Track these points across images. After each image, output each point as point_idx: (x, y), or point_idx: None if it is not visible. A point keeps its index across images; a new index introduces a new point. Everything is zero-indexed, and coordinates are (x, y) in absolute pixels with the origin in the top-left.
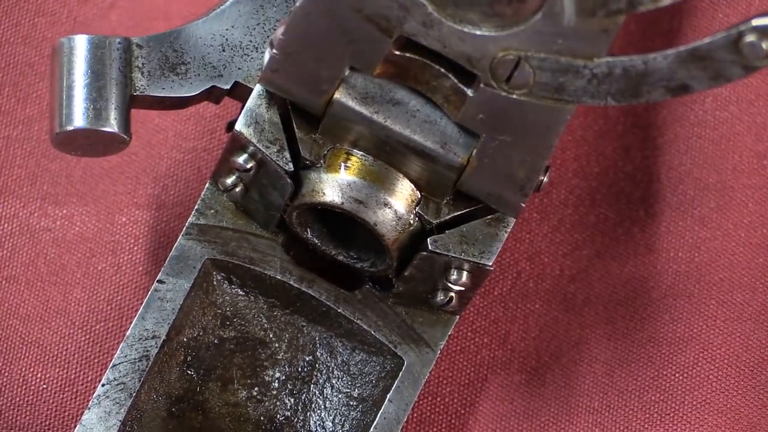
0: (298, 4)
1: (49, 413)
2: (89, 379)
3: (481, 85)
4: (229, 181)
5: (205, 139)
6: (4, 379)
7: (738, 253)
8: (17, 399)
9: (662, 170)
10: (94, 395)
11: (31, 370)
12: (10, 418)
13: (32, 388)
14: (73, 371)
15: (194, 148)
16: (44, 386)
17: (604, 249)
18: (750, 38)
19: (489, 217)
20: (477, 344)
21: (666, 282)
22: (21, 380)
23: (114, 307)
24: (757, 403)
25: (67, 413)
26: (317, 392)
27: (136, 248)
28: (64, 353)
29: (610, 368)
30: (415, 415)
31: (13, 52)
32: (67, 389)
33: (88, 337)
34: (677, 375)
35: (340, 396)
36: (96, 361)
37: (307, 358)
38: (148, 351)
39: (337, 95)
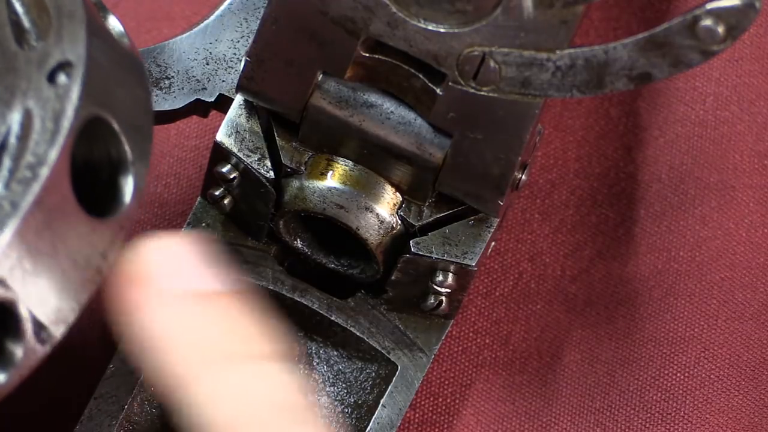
0: (265, 10)
1: (50, 412)
2: (90, 378)
3: (450, 84)
4: (217, 192)
5: (208, 137)
6: None
7: (739, 253)
8: (18, 398)
9: (663, 170)
10: (86, 409)
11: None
12: (11, 416)
13: (34, 386)
14: (74, 370)
15: (196, 147)
16: (46, 385)
17: (605, 249)
18: (706, 22)
19: (472, 217)
20: (479, 345)
21: (667, 281)
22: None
23: None
24: (759, 403)
25: (68, 412)
26: (312, 401)
27: None
28: (65, 352)
29: (611, 368)
30: (417, 415)
31: None
32: (68, 388)
33: (89, 335)
34: (678, 374)
35: (335, 404)
36: (97, 360)
37: (303, 368)
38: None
39: (311, 101)
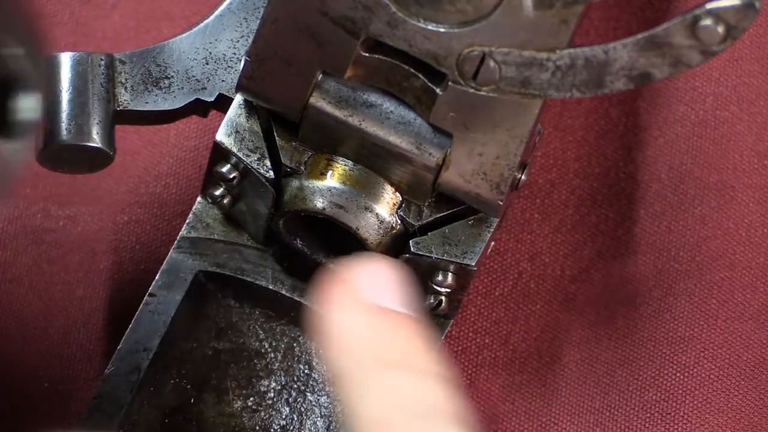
0: (265, 10)
1: (51, 411)
2: (91, 376)
3: (450, 84)
4: (217, 192)
5: (207, 137)
6: (7, 378)
7: (739, 253)
8: (20, 397)
9: (663, 170)
10: (86, 409)
11: (34, 368)
12: (13, 415)
13: (34, 386)
14: (75, 369)
15: (196, 147)
16: (47, 384)
17: (605, 249)
18: (706, 22)
19: (472, 217)
20: (478, 345)
21: (667, 281)
22: (23, 378)
23: (115, 305)
24: (758, 403)
25: (68, 411)
26: (313, 401)
27: (137, 247)
28: (66, 351)
29: (611, 368)
30: None
31: None
32: (69, 387)
33: (89, 334)
34: (678, 374)
35: (335, 403)
36: (97, 359)
37: (303, 368)
38: (139, 364)
39: (311, 101)
